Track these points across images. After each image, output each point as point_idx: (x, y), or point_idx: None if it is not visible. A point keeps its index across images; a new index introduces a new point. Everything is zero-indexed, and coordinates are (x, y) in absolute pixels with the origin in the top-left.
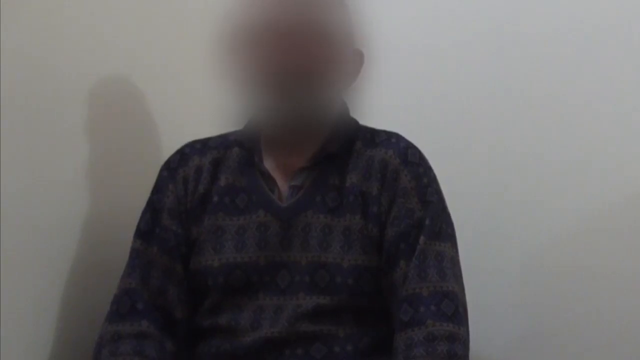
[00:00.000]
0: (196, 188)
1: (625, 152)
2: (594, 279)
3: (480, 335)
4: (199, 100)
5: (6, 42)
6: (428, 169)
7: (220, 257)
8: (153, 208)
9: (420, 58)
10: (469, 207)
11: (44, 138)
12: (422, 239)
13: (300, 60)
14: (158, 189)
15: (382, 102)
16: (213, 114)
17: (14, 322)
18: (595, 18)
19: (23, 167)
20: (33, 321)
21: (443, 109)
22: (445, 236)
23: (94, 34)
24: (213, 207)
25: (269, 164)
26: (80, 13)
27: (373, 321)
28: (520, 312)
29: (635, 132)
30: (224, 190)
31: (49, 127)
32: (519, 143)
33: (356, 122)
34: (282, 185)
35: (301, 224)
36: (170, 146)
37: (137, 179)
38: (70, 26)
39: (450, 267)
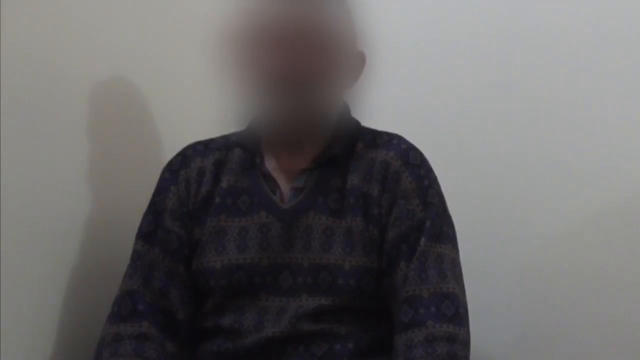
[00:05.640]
0: (198, 190)
1: (625, 152)
2: (594, 279)
3: (480, 335)
4: (200, 101)
5: (6, 42)
6: (429, 171)
7: (223, 258)
8: (155, 210)
9: (421, 59)
10: (469, 208)
11: (44, 138)
12: (422, 240)
13: (302, 63)
14: (160, 190)
15: (383, 103)
16: (214, 114)
17: (14, 322)
18: (595, 18)
19: (23, 167)
20: (33, 321)
21: (443, 109)
22: (446, 238)
23: (94, 34)
24: (215, 209)
25: (270, 166)
26: (81, 13)
27: (374, 321)
28: (520, 312)
29: (636, 132)
30: (226, 191)
31: (49, 127)
32: (519, 144)
33: (357, 124)
34: (284, 186)
35: (303, 226)
36: (171, 147)
37: (138, 180)
38: (70, 26)
39: (451, 268)
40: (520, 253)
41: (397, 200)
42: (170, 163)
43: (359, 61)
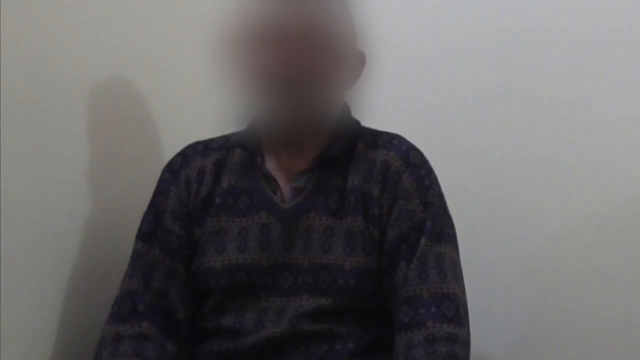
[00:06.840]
0: (199, 190)
1: (625, 152)
2: (594, 279)
3: (480, 335)
4: (201, 101)
5: (7, 42)
6: (429, 171)
7: (223, 258)
8: (155, 210)
9: (421, 59)
10: (469, 208)
11: (44, 138)
12: (422, 240)
13: (302, 63)
14: (160, 190)
15: (383, 103)
16: (215, 114)
17: (14, 322)
18: (595, 18)
19: (23, 167)
20: (33, 321)
21: (443, 109)
22: (446, 238)
23: (94, 34)
24: (215, 209)
25: (270, 166)
26: (81, 13)
27: (374, 321)
28: (520, 312)
29: (636, 132)
30: (226, 191)
31: (49, 127)
32: (519, 144)
33: (358, 124)
34: (284, 186)
35: (303, 226)
36: (171, 147)
37: (138, 180)
38: (70, 26)
39: (451, 268)
40: (520, 253)
41: (398, 200)
42: (170, 163)
43: (359, 61)
